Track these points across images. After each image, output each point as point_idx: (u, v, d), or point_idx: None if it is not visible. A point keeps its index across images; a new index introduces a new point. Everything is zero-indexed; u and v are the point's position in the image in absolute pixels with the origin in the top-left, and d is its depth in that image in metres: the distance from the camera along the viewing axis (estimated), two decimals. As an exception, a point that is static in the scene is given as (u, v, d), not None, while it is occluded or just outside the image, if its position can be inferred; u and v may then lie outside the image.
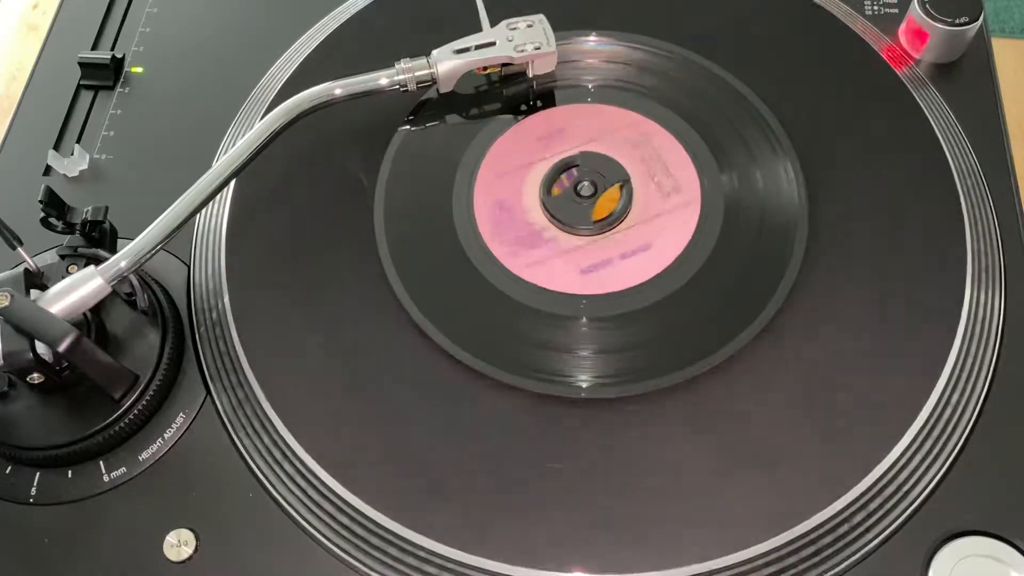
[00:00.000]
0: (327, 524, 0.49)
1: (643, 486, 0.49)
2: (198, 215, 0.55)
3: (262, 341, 0.54)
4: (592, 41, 0.65)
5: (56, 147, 0.63)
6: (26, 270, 0.50)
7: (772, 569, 0.47)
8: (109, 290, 0.50)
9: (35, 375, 0.49)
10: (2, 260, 0.55)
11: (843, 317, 0.54)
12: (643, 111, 0.62)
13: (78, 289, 0.49)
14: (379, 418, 0.52)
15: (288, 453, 0.51)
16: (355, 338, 0.54)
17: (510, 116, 0.62)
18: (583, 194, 0.58)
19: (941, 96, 0.61)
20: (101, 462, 0.51)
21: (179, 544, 0.49)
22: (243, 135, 0.58)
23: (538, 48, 0.61)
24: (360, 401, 0.53)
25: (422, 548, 0.48)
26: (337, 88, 0.58)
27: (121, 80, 0.66)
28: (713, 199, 0.58)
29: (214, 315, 0.56)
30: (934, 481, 0.49)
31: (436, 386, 0.53)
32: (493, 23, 0.61)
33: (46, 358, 0.49)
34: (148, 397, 0.52)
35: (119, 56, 0.67)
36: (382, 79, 0.59)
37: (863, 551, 0.47)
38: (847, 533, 0.48)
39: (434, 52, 0.60)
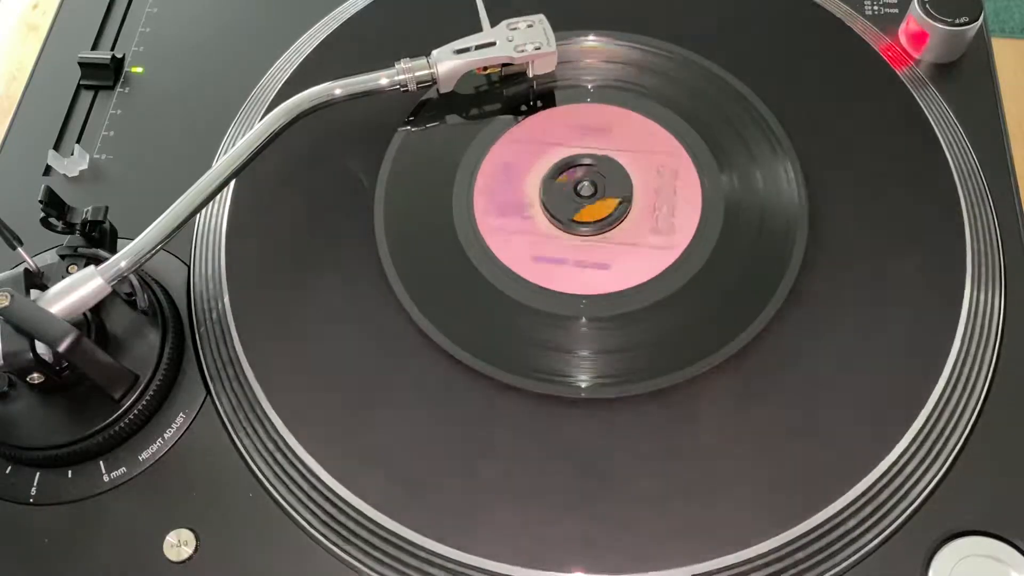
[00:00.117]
0: (327, 524, 0.49)
1: (643, 486, 0.49)
2: (198, 215, 0.55)
3: (262, 341, 0.54)
4: (592, 41, 0.65)
5: (56, 147, 0.63)
6: (26, 270, 0.50)
7: (772, 569, 0.47)
8: (109, 290, 0.50)
9: (35, 375, 0.49)
10: (2, 260, 0.55)
11: (843, 317, 0.54)
12: (643, 111, 0.62)
13: (78, 289, 0.49)
14: (379, 418, 0.52)
15: (288, 453, 0.51)
16: (355, 338, 0.54)
17: (510, 116, 0.62)
18: (582, 193, 0.58)
19: (941, 96, 0.61)
20: (101, 462, 0.51)
21: (179, 544, 0.49)
22: (243, 135, 0.58)
23: (538, 48, 0.61)
24: (360, 401, 0.53)
25: (422, 548, 0.48)
26: (337, 88, 0.58)
27: (121, 80, 0.66)
28: (713, 199, 0.58)
29: (214, 315, 0.56)
30: (934, 481, 0.49)
31: (436, 386, 0.53)
32: (493, 23, 0.61)
33: (46, 358, 0.49)
34: (148, 397, 0.52)
35: (119, 56, 0.67)
36: (382, 79, 0.59)
37: (863, 551, 0.47)
38: (847, 533, 0.48)
39: (434, 52, 0.60)
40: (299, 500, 0.50)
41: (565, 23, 0.63)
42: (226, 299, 0.56)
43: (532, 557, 0.48)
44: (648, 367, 0.52)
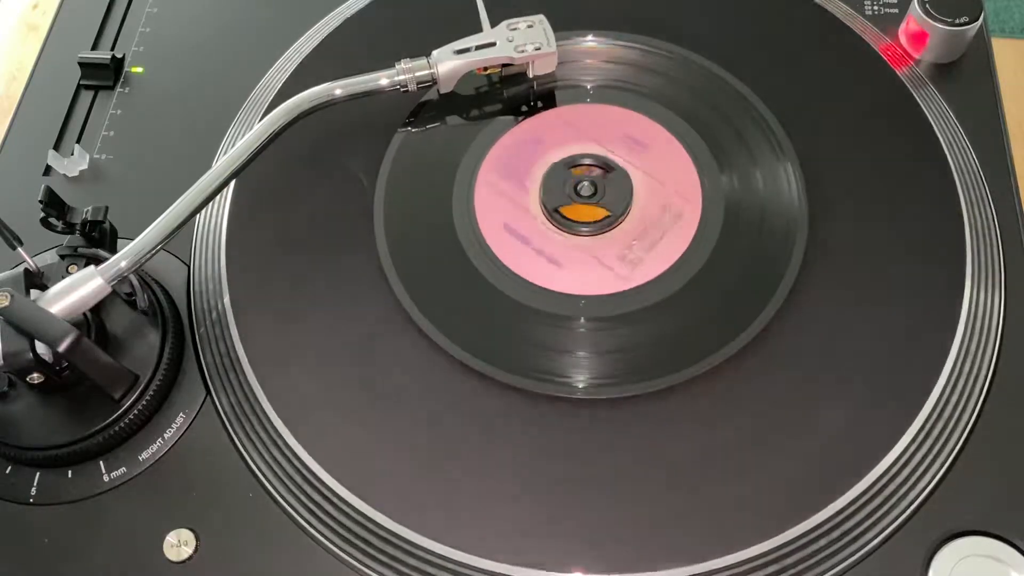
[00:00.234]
0: (327, 524, 0.49)
1: (643, 486, 0.49)
2: (198, 215, 0.55)
3: (262, 341, 0.54)
4: (592, 41, 0.65)
5: (56, 147, 0.63)
6: (26, 270, 0.50)
7: (772, 569, 0.47)
8: (109, 290, 0.50)
9: (35, 375, 0.49)
10: (2, 260, 0.55)
11: (842, 317, 0.54)
12: (643, 111, 0.62)
13: (78, 289, 0.49)
14: (379, 418, 0.52)
15: (288, 453, 0.51)
16: (355, 338, 0.54)
17: (511, 117, 0.62)
18: (581, 192, 0.58)
19: (941, 96, 0.61)
20: (101, 462, 0.51)
21: (179, 544, 0.49)
22: (243, 135, 0.58)
23: (538, 48, 0.61)
24: (360, 401, 0.53)
25: (422, 548, 0.48)
26: (337, 88, 0.58)
27: (121, 80, 0.66)
28: (713, 199, 0.58)
29: (214, 315, 0.56)
30: (934, 481, 0.49)
31: (436, 386, 0.53)
32: (493, 23, 0.61)
33: (46, 358, 0.49)
34: (148, 397, 0.52)
35: (119, 56, 0.67)
36: (382, 79, 0.59)
37: (863, 551, 0.47)
38: (847, 533, 0.48)
39: (434, 52, 0.60)
40: (299, 500, 0.50)
41: (565, 23, 0.63)
42: (226, 299, 0.56)
43: (532, 557, 0.48)
44: (648, 367, 0.52)
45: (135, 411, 0.51)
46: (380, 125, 0.62)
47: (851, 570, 0.47)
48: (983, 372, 0.52)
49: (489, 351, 0.53)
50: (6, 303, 0.47)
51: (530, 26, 0.61)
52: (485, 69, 0.62)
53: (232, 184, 0.57)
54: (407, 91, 0.60)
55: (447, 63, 0.60)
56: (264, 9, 0.70)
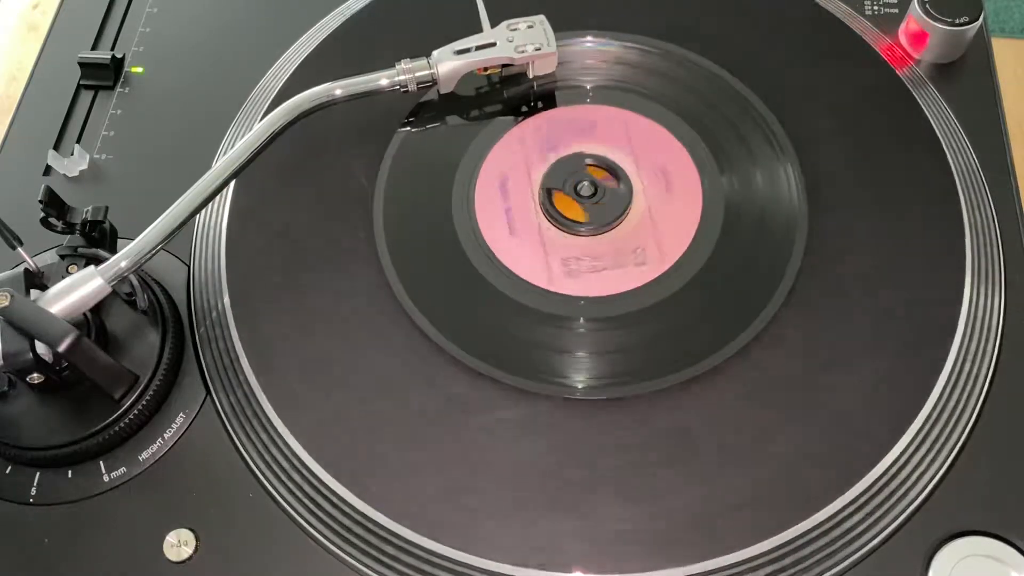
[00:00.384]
0: (327, 524, 0.49)
1: (642, 486, 0.49)
2: (198, 215, 0.55)
3: (262, 341, 0.54)
4: (592, 42, 0.65)
5: (56, 147, 0.63)
6: (26, 270, 0.50)
7: (771, 569, 0.47)
8: (109, 290, 0.50)
9: (35, 375, 0.49)
10: (2, 260, 0.55)
11: (842, 317, 0.54)
12: (643, 111, 0.62)
13: (78, 289, 0.49)
14: (379, 418, 0.52)
15: (288, 453, 0.51)
16: (355, 338, 0.54)
17: (511, 117, 0.62)
18: (581, 192, 0.58)
19: (941, 96, 0.61)
20: (101, 462, 0.51)
21: (179, 544, 0.49)
22: (243, 135, 0.58)
23: (539, 49, 0.61)
24: (360, 401, 0.53)
25: (421, 548, 0.48)
26: (337, 88, 0.58)
27: (121, 80, 0.66)
28: (713, 199, 0.58)
29: (214, 315, 0.56)
30: (934, 481, 0.49)
31: (435, 386, 0.53)
32: (493, 24, 0.61)
33: (46, 358, 0.49)
34: (148, 397, 0.52)
35: (119, 56, 0.67)
36: (382, 79, 0.59)
37: (863, 551, 0.47)
38: (847, 533, 0.48)
39: (434, 53, 0.60)
40: (299, 500, 0.50)
41: (565, 24, 0.63)
42: (226, 299, 0.56)
43: (531, 557, 0.48)
44: (648, 367, 0.52)
45: (135, 411, 0.51)
46: (380, 125, 0.62)
47: (851, 570, 0.47)
48: (983, 372, 0.52)
49: (489, 351, 0.53)
50: (6, 303, 0.47)
51: (530, 26, 0.61)
52: (485, 69, 0.62)
53: (232, 184, 0.57)
54: (407, 91, 0.60)
55: (447, 63, 0.60)
56: (264, 9, 0.70)
